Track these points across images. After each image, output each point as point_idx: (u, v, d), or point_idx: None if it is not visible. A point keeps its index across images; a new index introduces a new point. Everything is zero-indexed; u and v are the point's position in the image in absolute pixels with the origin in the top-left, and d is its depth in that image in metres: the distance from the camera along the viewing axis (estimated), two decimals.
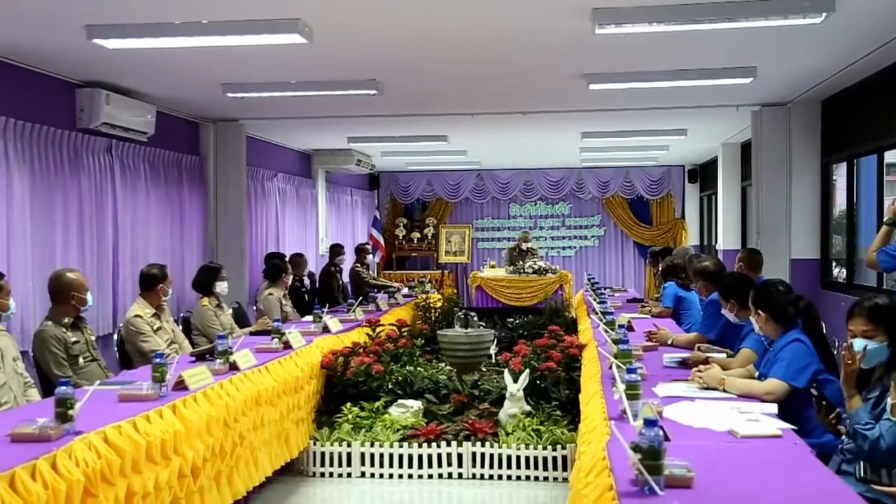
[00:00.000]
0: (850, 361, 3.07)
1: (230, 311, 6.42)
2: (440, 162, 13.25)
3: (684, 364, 4.28)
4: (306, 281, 9.10)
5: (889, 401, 2.84)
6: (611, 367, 3.80)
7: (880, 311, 3.14)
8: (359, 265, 10.29)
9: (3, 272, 4.22)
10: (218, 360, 4.29)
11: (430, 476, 5.03)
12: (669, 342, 5.10)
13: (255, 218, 9.43)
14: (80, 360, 4.54)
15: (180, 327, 5.83)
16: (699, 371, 3.78)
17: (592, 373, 4.51)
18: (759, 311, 3.78)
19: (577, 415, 4.57)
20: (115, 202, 6.78)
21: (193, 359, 4.59)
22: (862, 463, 2.85)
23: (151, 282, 5.34)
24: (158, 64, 5.81)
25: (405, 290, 9.87)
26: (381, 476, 5.07)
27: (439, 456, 5.05)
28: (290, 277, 7.62)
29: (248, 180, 8.89)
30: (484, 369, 6.34)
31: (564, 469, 4.88)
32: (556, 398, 5.31)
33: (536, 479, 4.95)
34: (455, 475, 5.03)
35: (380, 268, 14.12)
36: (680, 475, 2.31)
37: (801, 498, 2.30)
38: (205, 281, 6.12)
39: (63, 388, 2.94)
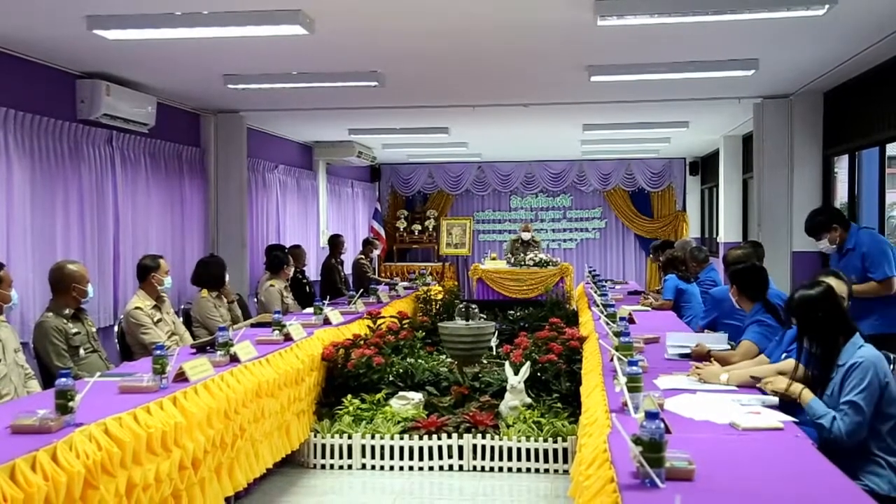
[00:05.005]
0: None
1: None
2: (441, 154, 13.21)
3: (687, 356, 4.28)
4: (307, 272, 9.10)
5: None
6: (612, 360, 3.81)
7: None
8: (363, 257, 10.27)
9: (3, 262, 4.20)
10: (219, 352, 4.29)
11: (431, 468, 5.04)
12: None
13: (256, 210, 9.41)
14: (81, 351, 4.54)
15: (181, 319, 5.84)
16: (698, 368, 3.78)
17: (593, 365, 4.51)
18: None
19: (577, 407, 4.57)
20: (116, 194, 6.77)
21: (194, 350, 4.60)
22: None
23: (144, 272, 5.34)
24: (159, 55, 5.79)
25: (405, 283, 9.86)
26: (382, 468, 5.08)
27: (440, 448, 5.05)
28: (292, 269, 7.62)
29: (248, 172, 8.87)
30: (485, 361, 6.34)
31: (565, 461, 4.89)
32: (557, 390, 5.31)
33: (537, 471, 4.96)
34: (456, 467, 5.04)
35: (381, 260, 14.09)
36: (681, 468, 2.32)
37: (802, 490, 2.30)
38: (217, 274, 6.14)
39: (63, 379, 2.94)
